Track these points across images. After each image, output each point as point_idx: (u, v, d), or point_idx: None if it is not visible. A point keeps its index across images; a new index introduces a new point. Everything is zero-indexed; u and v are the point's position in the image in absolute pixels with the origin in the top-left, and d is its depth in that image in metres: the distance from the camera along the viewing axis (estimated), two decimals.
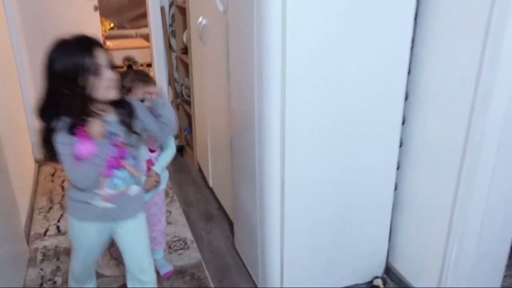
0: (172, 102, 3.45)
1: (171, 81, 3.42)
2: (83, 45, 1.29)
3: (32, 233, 2.45)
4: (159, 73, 3.40)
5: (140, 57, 6.02)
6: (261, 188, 1.74)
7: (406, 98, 1.74)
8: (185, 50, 3.12)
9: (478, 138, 1.46)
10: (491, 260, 1.68)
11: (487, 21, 1.35)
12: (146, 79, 1.76)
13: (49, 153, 1.36)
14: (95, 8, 4.71)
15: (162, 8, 3.24)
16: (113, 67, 1.34)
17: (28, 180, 2.87)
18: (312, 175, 1.70)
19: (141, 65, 5.98)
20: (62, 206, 2.73)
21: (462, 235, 1.59)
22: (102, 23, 5.63)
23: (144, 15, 4.64)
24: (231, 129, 2.08)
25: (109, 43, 6.05)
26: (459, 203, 1.58)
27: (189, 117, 3.29)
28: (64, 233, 2.41)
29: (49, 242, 2.36)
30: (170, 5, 3.25)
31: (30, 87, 3.27)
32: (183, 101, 3.38)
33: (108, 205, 1.46)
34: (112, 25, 6.68)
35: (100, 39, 3.01)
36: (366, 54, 1.59)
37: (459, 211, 1.58)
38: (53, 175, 3.17)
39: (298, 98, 1.57)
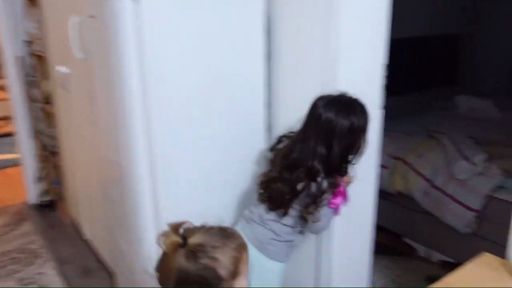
0: (38, 155, 3.24)
1: (36, 133, 3.21)
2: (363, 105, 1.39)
3: None
4: (20, 125, 3.17)
5: None
6: (138, 235, 1.72)
7: (270, 130, 1.89)
8: (48, 100, 2.97)
9: None
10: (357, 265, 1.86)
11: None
12: None
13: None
14: None
15: (20, 58, 3.06)
16: None
17: None
18: (186, 215, 1.72)
19: None
20: None
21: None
22: None
23: None
24: (103, 177, 2.03)
25: None
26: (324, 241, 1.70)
27: (58, 169, 3.10)
28: None
29: None
30: (28, 54, 3.10)
31: None
32: (50, 153, 3.18)
33: None
34: None
35: None
36: (226, 96, 1.70)
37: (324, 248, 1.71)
38: None
39: (165, 143, 1.59)
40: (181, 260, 0.95)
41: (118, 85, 1.57)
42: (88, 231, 2.63)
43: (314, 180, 1.36)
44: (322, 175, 1.35)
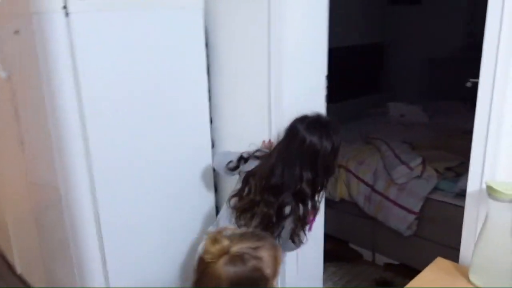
0: None
1: None
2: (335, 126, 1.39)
3: None
4: None
5: None
6: (79, 263, 1.59)
7: (213, 145, 1.85)
8: None
9: None
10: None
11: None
12: None
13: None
14: None
15: None
16: None
17: None
18: (132, 240, 1.64)
19: None
20: None
21: None
22: None
23: None
24: (35, 203, 1.87)
25: None
26: None
27: None
28: None
29: None
30: None
31: None
32: None
33: None
34: None
35: None
36: (167, 117, 1.65)
37: None
38: None
39: (104, 162, 1.52)
40: (229, 267, 0.95)
41: (50, 103, 1.46)
42: (20, 265, 2.40)
43: (303, 203, 1.36)
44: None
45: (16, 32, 1.57)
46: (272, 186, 1.36)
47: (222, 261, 0.94)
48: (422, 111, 3.20)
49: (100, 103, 1.47)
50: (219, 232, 0.99)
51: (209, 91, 1.79)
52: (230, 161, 1.51)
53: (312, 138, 1.34)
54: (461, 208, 1.26)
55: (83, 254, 1.58)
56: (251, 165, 1.46)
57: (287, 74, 1.52)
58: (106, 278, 1.60)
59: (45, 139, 1.54)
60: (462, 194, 1.96)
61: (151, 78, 1.59)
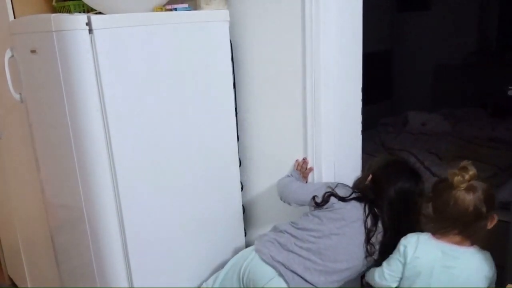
0: None
1: None
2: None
3: None
4: None
5: None
6: (104, 284, 1.51)
7: (240, 163, 1.76)
8: None
9: None
10: None
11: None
12: None
13: None
14: None
15: None
16: None
17: None
18: (159, 259, 1.54)
19: None
20: None
21: None
22: None
23: None
24: (50, 225, 1.79)
25: None
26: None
27: None
28: None
29: None
30: None
31: None
32: None
33: None
34: None
35: None
36: (195, 130, 1.57)
37: None
38: None
39: (132, 183, 1.43)
40: (468, 195, 1.21)
41: (74, 122, 1.38)
42: None
43: None
44: None
45: (33, 51, 1.49)
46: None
47: (464, 186, 1.21)
48: (443, 119, 3.11)
49: (125, 121, 1.40)
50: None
51: (236, 107, 1.70)
52: (316, 196, 1.45)
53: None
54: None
55: (109, 276, 1.49)
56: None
57: (325, 88, 1.43)
58: None
59: (66, 158, 1.47)
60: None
61: (176, 94, 1.51)
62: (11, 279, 2.57)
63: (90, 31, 1.28)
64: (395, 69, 3.96)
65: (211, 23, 1.58)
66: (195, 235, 1.65)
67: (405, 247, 1.28)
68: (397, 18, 3.89)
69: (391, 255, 1.33)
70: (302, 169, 1.55)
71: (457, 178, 1.21)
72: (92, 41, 1.29)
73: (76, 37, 1.27)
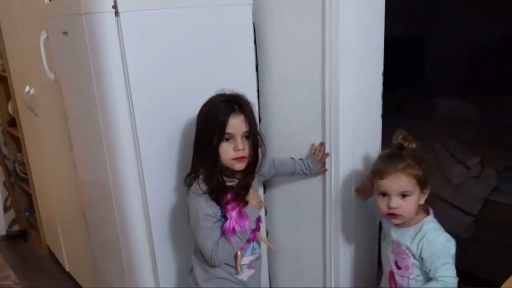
0: (4, 182, 3.00)
1: (0, 158, 2.98)
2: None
3: None
4: None
5: None
6: (129, 262, 1.58)
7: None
8: (13, 122, 2.76)
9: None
10: None
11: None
12: None
13: None
14: None
15: None
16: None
17: None
18: (182, 238, 1.60)
19: None
20: None
21: (337, 274, 1.65)
22: None
23: None
24: (83, 201, 1.88)
25: None
26: (328, 243, 1.63)
27: (28, 196, 2.89)
28: None
29: None
30: None
31: None
32: (18, 179, 2.96)
33: (251, 272, 1.42)
34: None
35: None
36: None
37: (330, 251, 1.63)
38: None
39: (154, 162, 1.48)
40: None
41: (101, 103, 1.44)
42: (68, 263, 2.44)
43: None
44: None
45: (65, 33, 1.56)
46: None
47: None
48: (472, 106, 3.03)
49: (149, 102, 1.45)
50: None
51: (258, 89, 1.73)
52: None
53: None
54: None
55: (133, 253, 1.55)
56: None
57: (344, 71, 1.44)
58: (156, 278, 1.57)
59: (95, 137, 1.53)
60: None
61: (199, 76, 1.55)
62: (49, 248, 2.73)
63: (116, 13, 1.32)
64: (425, 54, 3.86)
65: (234, 6, 1.60)
66: None
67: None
68: (430, 0, 3.78)
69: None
70: (319, 155, 1.57)
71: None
72: (118, 23, 1.33)
73: (103, 19, 1.32)
